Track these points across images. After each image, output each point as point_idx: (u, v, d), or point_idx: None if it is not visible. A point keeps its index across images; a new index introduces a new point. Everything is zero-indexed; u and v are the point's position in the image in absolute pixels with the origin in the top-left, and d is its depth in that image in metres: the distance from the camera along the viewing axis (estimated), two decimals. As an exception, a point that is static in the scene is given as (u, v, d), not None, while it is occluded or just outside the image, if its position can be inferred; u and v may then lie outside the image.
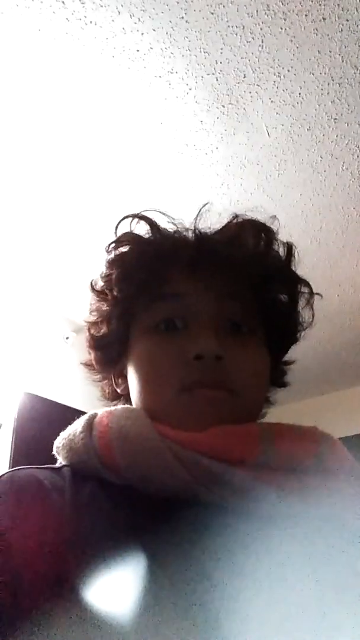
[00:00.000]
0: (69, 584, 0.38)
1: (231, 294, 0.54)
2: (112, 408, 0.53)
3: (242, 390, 0.50)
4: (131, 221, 0.58)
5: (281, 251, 0.57)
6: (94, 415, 0.53)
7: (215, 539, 0.42)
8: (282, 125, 1.41)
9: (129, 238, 0.58)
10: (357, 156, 1.49)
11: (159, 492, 0.45)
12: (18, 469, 0.48)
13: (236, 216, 0.58)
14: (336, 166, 1.53)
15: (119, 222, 0.58)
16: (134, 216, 0.58)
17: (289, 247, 0.58)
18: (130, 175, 1.55)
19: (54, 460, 0.52)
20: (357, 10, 1.13)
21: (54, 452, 0.52)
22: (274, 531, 0.42)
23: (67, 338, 1.92)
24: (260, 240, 0.56)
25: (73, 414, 0.56)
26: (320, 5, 1.13)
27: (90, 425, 0.51)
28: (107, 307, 0.58)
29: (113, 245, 0.58)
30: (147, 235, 0.57)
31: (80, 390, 1.70)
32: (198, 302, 0.53)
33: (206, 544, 0.41)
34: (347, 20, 1.15)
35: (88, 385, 0.67)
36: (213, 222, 0.57)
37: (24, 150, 1.44)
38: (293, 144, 1.47)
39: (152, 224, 0.58)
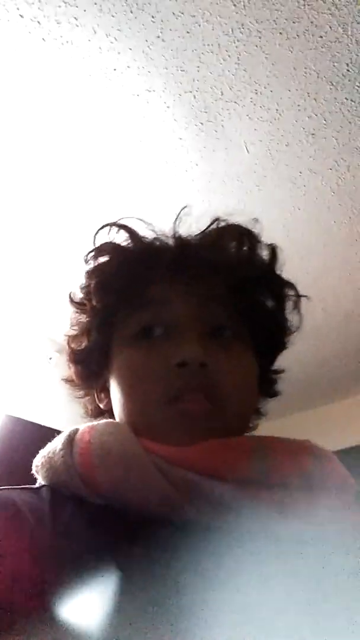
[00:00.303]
0: (43, 609, 0.35)
1: (213, 297, 0.52)
2: (95, 423, 0.50)
3: (229, 397, 0.48)
4: (109, 230, 0.56)
5: (265, 254, 0.56)
6: (75, 431, 0.50)
7: (203, 560, 0.39)
8: (261, 141, 1.42)
9: (108, 247, 0.56)
10: (336, 170, 1.51)
11: (142, 512, 0.42)
12: None
13: (217, 219, 0.56)
14: (315, 181, 1.55)
15: (97, 232, 0.56)
16: (112, 225, 0.57)
17: (273, 250, 0.57)
18: (110, 194, 1.54)
19: (35, 481, 0.50)
20: (330, 28, 1.15)
21: (33, 471, 0.50)
22: (263, 550, 0.40)
23: (50, 358, 1.89)
24: (243, 244, 0.54)
25: (56, 436, 0.53)
26: (294, 23, 1.14)
27: (70, 441, 0.48)
28: (87, 319, 0.57)
29: (92, 255, 0.57)
30: (126, 244, 0.56)
31: (63, 411, 1.67)
32: (179, 307, 0.51)
33: (193, 566, 0.38)
34: (321, 37, 1.17)
35: (72, 407, 0.65)
36: (193, 232, 0.57)
37: None
38: (272, 160, 1.48)
39: (131, 232, 0.56)
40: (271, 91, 1.29)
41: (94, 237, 0.57)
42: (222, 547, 0.40)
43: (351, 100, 1.32)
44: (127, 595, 0.36)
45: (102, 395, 0.58)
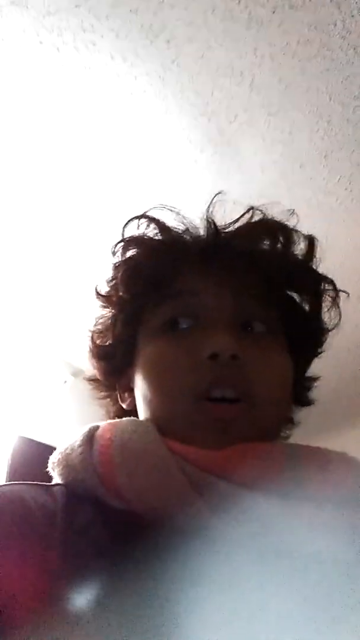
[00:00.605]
0: (46, 608, 0.33)
1: (246, 290, 0.50)
2: (117, 420, 0.48)
3: (261, 393, 0.45)
4: (138, 223, 0.55)
5: (302, 246, 0.53)
6: (96, 428, 0.47)
7: (223, 571, 0.36)
8: (275, 163, 1.44)
9: (137, 239, 0.54)
10: (350, 191, 1.51)
11: (162, 518, 0.39)
12: (3, 485, 0.43)
13: (251, 208, 0.54)
14: (329, 202, 1.55)
15: (126, 225, 0.55)
16: (141, 217, 0.55)
17: (311, 242, 0.54)
18: (125, 216, 1.56)
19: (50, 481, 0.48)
20: (341, 50, 1.17)
21: (49, 468, 0.47)
22: (287, 564, 0.37)
23: (65, 381, 1.89)
24: (277, 239, 0.52)
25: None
26: (306, 46, 1.17)
27: (90, 438, 0.45)
28: (113, 312, 0.55)
29: (120, 246, 0.55)
30: (155, 235, 0.54)
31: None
32: (211, 298, 0.49)
33: (212, 577, 0.36)
34: (333, 60, 1.19)
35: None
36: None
37: (19, 195, 1.47)
38: (286, 182, 1.50)
39: (159, 224, 0.54)
40: (284, 113, 1.32)
41: (123, 229, 0.55)
42: (245, 559, 0.37)
43: (364, 121, 1.34)
44: (135, 598, 0.34)
45: (126, 394, 0.55)
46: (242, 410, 0.44)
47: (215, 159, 1.41)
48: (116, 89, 1.22)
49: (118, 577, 0.36)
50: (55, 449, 0.49)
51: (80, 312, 1.90)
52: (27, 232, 1.59)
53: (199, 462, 0.41)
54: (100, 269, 1.72)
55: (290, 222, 0.55)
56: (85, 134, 1.31)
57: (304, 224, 1.65)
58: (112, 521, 0.41)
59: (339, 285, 0.57)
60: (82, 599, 0.35)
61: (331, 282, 0.56)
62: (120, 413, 0.56)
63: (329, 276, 0.56)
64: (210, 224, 0.54)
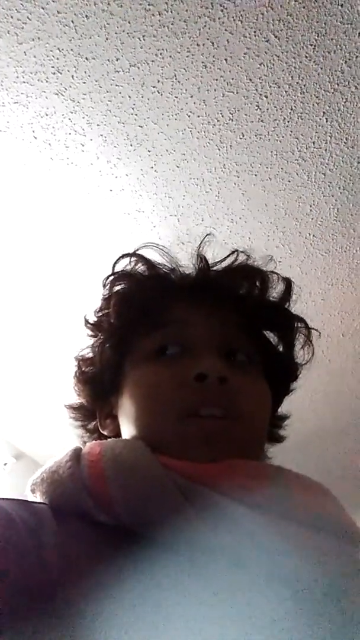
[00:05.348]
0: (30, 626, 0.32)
1: (232, 323, 0.54)
2: (103, 440, 0.48)
3: (246, 415, 0.48)
4: (130, 260, 0.58)
5: (280, 287, 0.59)
6: (80, 448, 0.47)
7: (217, 589, 0.36)
8: (233, 264, 1.57)
9: (128, 274, 0.57)
10: (299, 295, 1.65)
11: (151, 532, 0.39)
12: None
13: (235, 251, 0.59)
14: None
15: (116, 262, 0.58)
16: (131, 255, 0.58)
17: (288, 283, 0.60)
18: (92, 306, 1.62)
19: None
20: (297, 174, 1.36)
21: (28, 490, 0.45)
22: (271, 580, 0.37)
23: (5, 464, 1.80)
24: (255, 285, 0.57)
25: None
26: (267, 168, 1.35)
27: (77, 455, 0.45)
28: (102, 339, 0.56)
29: (111, 280, 0.57)
30: (144, 270, 0.57)
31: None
32: (200, 328, 0.52)
33: (207, 596, 0.35)
34: (289, 181, 1.38)
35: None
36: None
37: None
38: (242, 282, 1.63)
39: (149, 263, 0.58)
40: (245, 222, 1.47)
41: (113, 266, 0.58)
42: (237, 571, 0.37)
43: (313, 235, 1.51)
44: (125, 612, 0.34)
45: (107, 421, 0.56)
46: (228, 425, 0.46)
47: (182, 255, 1.52)
48: (97, 185, 1.33)
49: (106, 592, 0.35)
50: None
51: (26, 390, 1.87)
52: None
53: (190, 474, 0.42)
54: (47, 353, 1.71)
55: (269, 267, 0.60)
56: (64, 221, 1.40)
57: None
58: (100, 538, 0.40)
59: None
60: (70, 612, 0.34)
61: (303, 320, 0.60)
62: (101, 439, 0.55)
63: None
64: (202, 260, 0.59)
